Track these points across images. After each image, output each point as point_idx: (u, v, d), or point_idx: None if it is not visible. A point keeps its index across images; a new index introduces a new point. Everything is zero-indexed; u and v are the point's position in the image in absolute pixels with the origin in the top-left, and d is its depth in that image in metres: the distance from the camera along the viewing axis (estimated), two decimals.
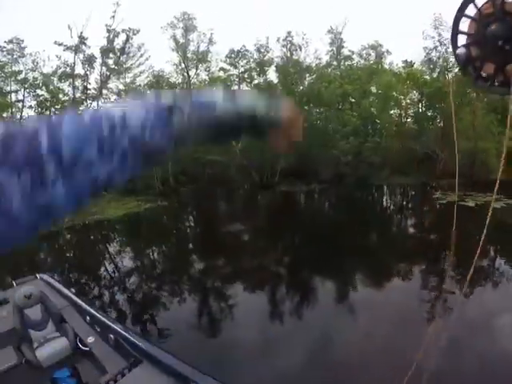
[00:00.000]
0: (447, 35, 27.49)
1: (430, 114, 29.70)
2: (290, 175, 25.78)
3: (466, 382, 4.76)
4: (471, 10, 0.85)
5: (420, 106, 29.71)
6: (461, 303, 7.47)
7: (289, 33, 29.98)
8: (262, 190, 24.95)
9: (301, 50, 30.55)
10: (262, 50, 30.41)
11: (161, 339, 5.79)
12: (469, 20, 0.87)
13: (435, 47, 29.02)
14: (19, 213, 0.33)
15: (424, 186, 25.82)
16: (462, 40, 0.89)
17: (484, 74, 0.88)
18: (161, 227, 17.45)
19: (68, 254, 13.52)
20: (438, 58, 29.29)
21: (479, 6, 0.83)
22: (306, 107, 29.16)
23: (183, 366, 2.99)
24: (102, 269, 10.66)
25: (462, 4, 0.85)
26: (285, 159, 25.47)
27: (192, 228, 17.63)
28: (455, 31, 0.89)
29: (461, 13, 0.86)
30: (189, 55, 30.62)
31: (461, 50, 0.87)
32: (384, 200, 25.03)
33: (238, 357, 5.29)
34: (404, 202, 25.06)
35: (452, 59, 28.48)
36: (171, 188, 25.30)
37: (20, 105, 26.47)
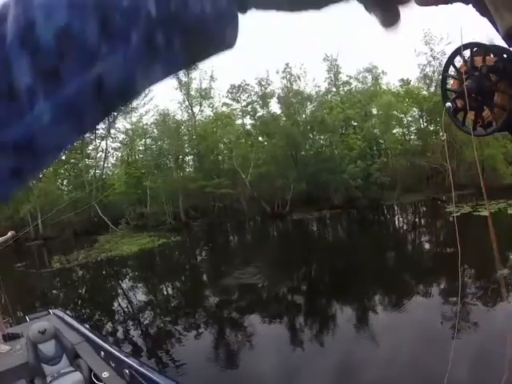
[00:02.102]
0: (438, 49, 28.63)
1: (432, 128, 29.80)
2: (301, 203, 25.78)
3: None
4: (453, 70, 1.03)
5: (421, 121, 29.91)
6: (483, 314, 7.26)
7: (287, 64, 30.90)
8: (274, 220, 24.86)
9: (300, 79, 31.31)
10: (263, 83, 31.33)
11: (177, 373, 5.62)
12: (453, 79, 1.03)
13: (428, 62, 29.70)
14: None
15: (434, 201, 25.48)
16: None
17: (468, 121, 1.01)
18: (175, 263, 17.37)
19: (80, 291, 13.47)
20: (433, 72, 29.75)
21: (458, 66, 0.99)
22: (310, 135, 29.67)
23: None
24: (116, 304, 10.58)
25: (444, 66, 1.01)
26: (296, 187, 25.63)
27: (206, 263, 17.46)
28: (444, 89, 1.06)
29: (445, 73, 1.02)
30: (192, 93, 31.71)
31: (448, 104, 1.00)
32: (396, 220, 24.69)
33: None
34: (416, 220, 24.68)
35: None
36: (182, 223, 25.44)
37: None
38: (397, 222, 23.98)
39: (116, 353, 3.93)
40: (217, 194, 25.89)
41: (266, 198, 26.02)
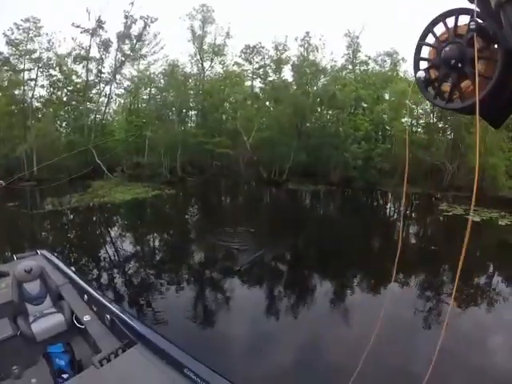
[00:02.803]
0: None
1: (440, 125, 29.42)
2: (299, 175, 25.82)
3: None
4: (431, 39, 0.95)
5: (432, 116, 29.43)
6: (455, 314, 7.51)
7: (307, 33, 29.86)
8: (269, 187, 25.01)
9: (317, 51, 30.37)
10: (280, 48, 30.32)
11: (156, 323, 5.80)
12: (429, 47, 0.97)
13: None
14: None
15: (430, 197, 25.66)
16: (423, 65, 0.99)
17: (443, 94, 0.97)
18: (166, 215, 17.49)
19: (70, 234, 13.56)
20: None
21: (437, 34, 0.93)
22: (318, 108, 29.12)
23: (177, 351, 2.97)
24: (103, 251, 10.70)
25: (422, 33, 0.95)
26: (295, 157, 25.47)
27: (196, 219, 17.66)
28: (417, 58, 0.99)
29: (422, 41, 0.96)
30: (205, 47, 30.65)
31: (420, 74, 0.96)
32: (389, 207, 24.91)
33: (230, 346, 5.33)
34: (408, 211, 24.91)
35: None
36: (178, 177, 25.40)
37: (32, 83, 26.60)
38: (389, 209, 24.24)
39: (99, 297, 3.97)
40: (216, 152, 25.70)
41: (264, 163, 26.00)
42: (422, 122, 29.72)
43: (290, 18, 51.72)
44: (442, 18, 0.91)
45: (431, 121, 29.42)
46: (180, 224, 15.66)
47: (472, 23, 0.83)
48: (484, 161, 26.00)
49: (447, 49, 0.88)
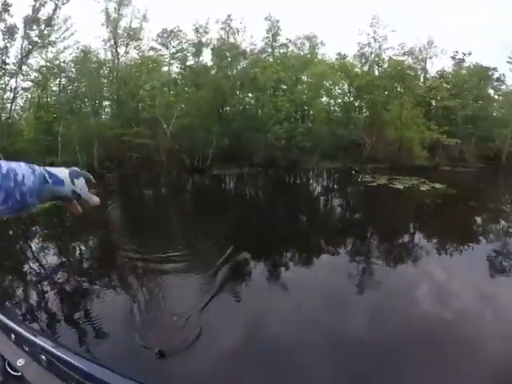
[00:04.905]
0: (382, 33, 29.93)
1: (356, 104, 31.02)
2: (222, 159, 25.53)
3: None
4: None
5: (348, 96, 30.92)
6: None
7: (229, 16, 29.51)
8: (193, 174, 24.62)
9: (238, 34, 30.16)
10: (201, 31, 29.64)
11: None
12: None
13: (369, 43, 30.84)
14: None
15: (350, 170, 27.07)
16: None
17: None
18: (85, 219, 16.05)
19: None
20: (371, 54, 31.15)
21: None
22: (238, 92, 29.10)
23: None
24: (26, 267, 9.17)
25: None
26: (218, 142, 25.17)
27: (119, 217, 16.48)
28: None
29: None
30: (119, 31, 28.74)
31: None
32: (312, 182, 25.87)
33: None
34: (331, 185, 26.08)
35: (384, 55, 30.46)
36: (97, 174, 23.84)
37: None
38: (313, 185, 25.21)
39: (28, 335, 3.27)
40: (135, 143, 24.55)
41: (186, 151, 25.36)
42: (339, 101, 31.12)
43: (212, 1, 50.54)
44: None
45: (348, 100, 30.96)
46: (99, 227, 14.23)
47: None
48: (401, 134, 28.05)
49: None
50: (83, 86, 26.67)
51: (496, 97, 34.91)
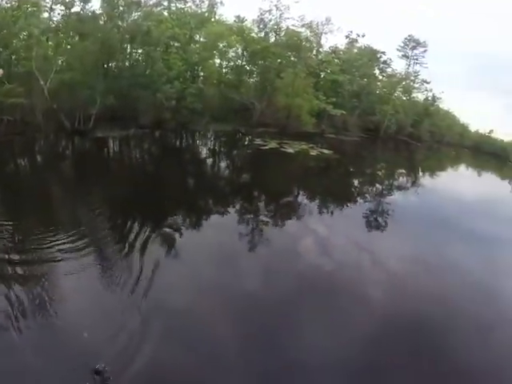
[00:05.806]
0: (285, 2, 30.50)
1: (248, 68, 31.92)
2: (107, 120, 23.59)
3: None
4: None
5: (241, 59, 31.54)
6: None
7: None
8: (74, 137, 22.46)
9: None
10: None
11: None
12: None
13: (270, 10, 31.12)
14: None
15: (240, 133, 28.14)
16: None
17: None
18: None
19: None
20: (270, 21, 31.65)
21: None
22: (128, 45, 27.75)
23: None
24: None
25: None
26: (103, 101, 23.87)
27: None
28: None
29: None
30: None
31: None
32: (201, 145, 26.52)
33: None
34: (220, 147, 27.09)
35: (283, 24, 31.16)
36: None
37: None
38: (202, 148, 25.81)
39: None
40: (6, 104, 22.01)
41: (66, 111, 23.04)
42: (231, 64, 31.57)
43: None
44: None
45: (241, 63, 31.58)
46: None
47: None
48: (292, 101, 29.80)
49: None
50: None
51: (381, 77, 39.87)
